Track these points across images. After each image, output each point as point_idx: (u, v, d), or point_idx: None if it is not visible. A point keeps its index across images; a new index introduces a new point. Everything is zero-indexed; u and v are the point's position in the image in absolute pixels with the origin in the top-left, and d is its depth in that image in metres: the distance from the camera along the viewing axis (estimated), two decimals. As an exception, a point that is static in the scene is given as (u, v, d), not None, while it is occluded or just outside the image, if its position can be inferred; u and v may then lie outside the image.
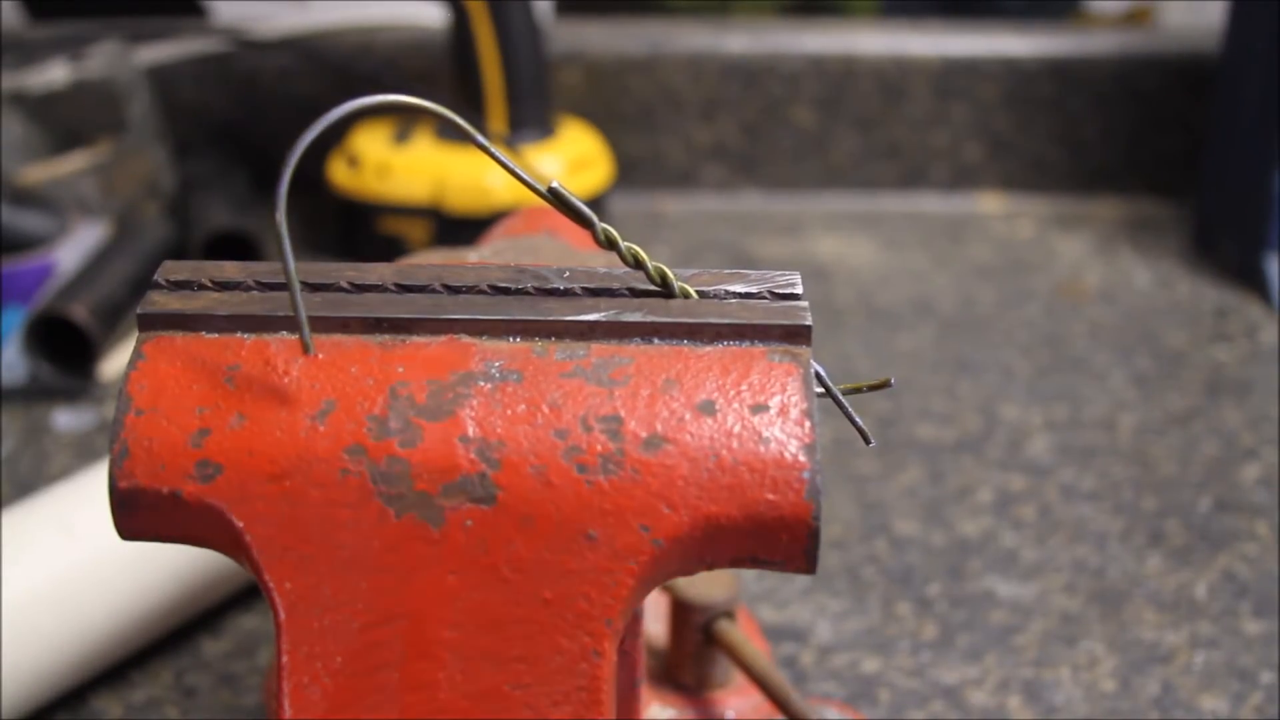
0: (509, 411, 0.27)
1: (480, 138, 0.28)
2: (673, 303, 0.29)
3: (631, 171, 0.92)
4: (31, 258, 0.73)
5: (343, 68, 0.87)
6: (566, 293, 0.29)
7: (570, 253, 0.41)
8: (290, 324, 0.28)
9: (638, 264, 0.29)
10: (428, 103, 0.28)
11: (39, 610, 0.43)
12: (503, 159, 0.29)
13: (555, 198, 0.29)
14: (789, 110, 0.91)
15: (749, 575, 0.52)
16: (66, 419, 0.63)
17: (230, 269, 0.29)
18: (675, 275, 0.29)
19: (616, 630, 0.26)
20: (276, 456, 0.27)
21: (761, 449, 0.26)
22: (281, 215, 0.26)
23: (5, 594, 0.42)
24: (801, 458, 0.26)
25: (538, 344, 0.28)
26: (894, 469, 0.59)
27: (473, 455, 0.26)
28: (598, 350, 0.28)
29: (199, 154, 0.87)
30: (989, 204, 0.92)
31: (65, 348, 0.65)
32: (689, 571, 0.27)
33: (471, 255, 0.40)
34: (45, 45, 0.86)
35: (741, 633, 0.41)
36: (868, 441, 0.31)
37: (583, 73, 0.90)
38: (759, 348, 0.28)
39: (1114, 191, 0.93)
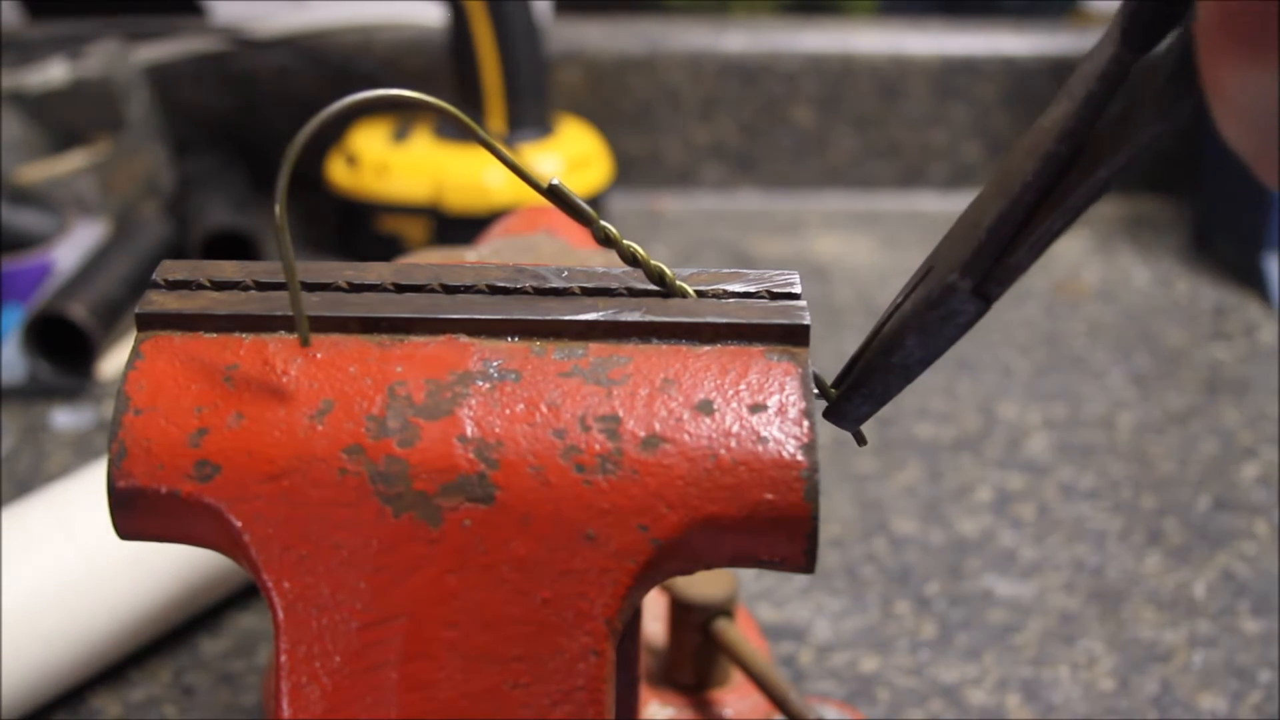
0: (507, 411, 0.27)
1: (481, 132, 0.28)
2: (671, 302, 0.29)
3: (630, 170, 0.92)
4: (30, 257, 0.73)
5: (341, 67, 0.87)
6: (565, 292, 0.29)
7: (569, 252, 0.41)
8: (289, 324, 0.28)
9: (636, 262, 0.29)
10: (427, 97, 0.28)
11: (38, 609, 0.43)
12: (503, 154, 0.29)
13: (555, 195, 0.29)
14: (788, 109, 0.91)
15: (747, 574, 0.52)
16: (65, 418, 0.63)
17: (229, 268, 0.29)
18: (674, 274, 0.29)
19: (615, 630, 0.26)
20: (275, 456, 0.27)
21: (760, 448, 0.26)
22: (281, 208, 0.26)
23: (5, 593, 0.42)
24: (800, 457, 0.26)
25: (536, 343, 0.28)
26: (893, 468, 0.59)
27: (471, 455, 0.26)
28: (596, 350, 0.28)
29: (197, 153, 0.87)
30: (988, 203, 0.92)
31: (64, 347, 0.65)
32: (687, 571, 0.27)
33: (470, 254, 0.40)
34: (44, 44, 0.86)
35: (740, 631, 0.41)
36: (861, 442, 0.31)
37: (582, 72, 0.90)
38: (757, 347, 0.28)
39: (1113, 190, 0.93)
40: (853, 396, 0.30)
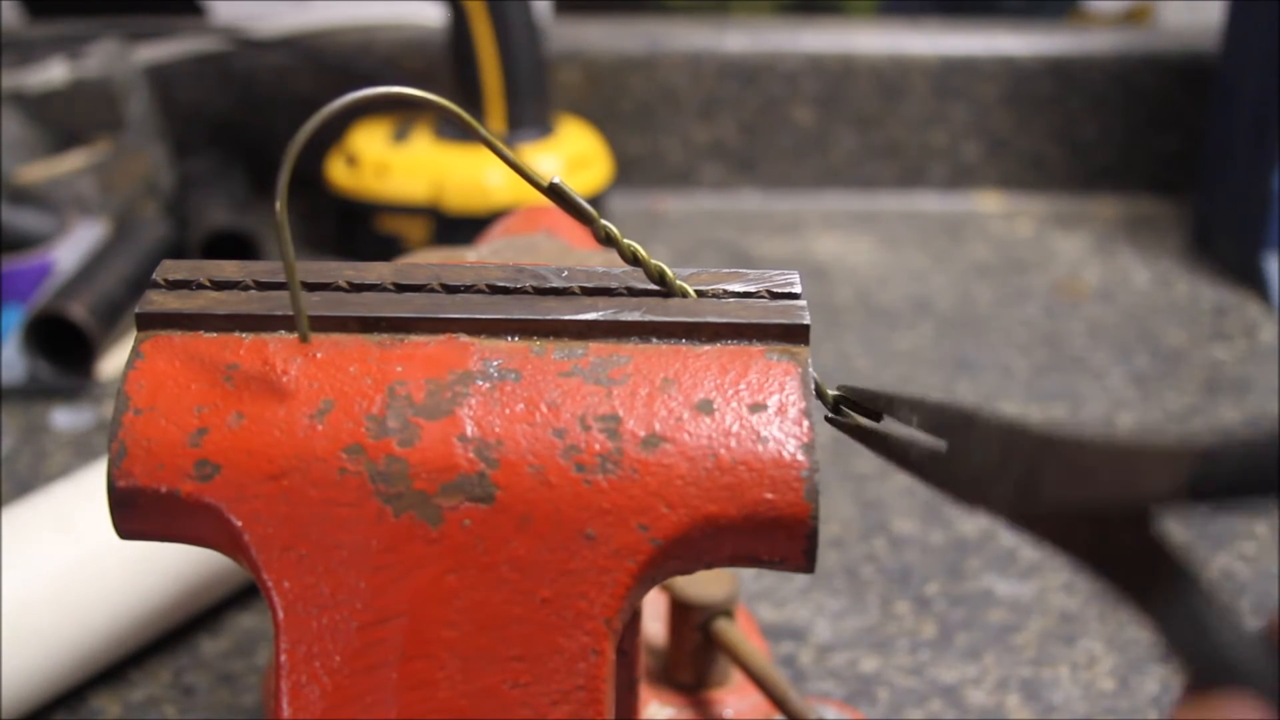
0: (507, 411, 0.27)
1: (482, 130, 0.28)
2: (671, 302, 0.29)
3: (630, 170, 0.92)
4: (30, 257, 0.73)
5: (341, 67, 0.87)
6: (565, 292, 0.29)
7: (569, 252, 0.41)
8: (289, 323, 0.28)
9: (637, 261, 0.29)
10: (428, 95, 0.28)
11: (38, 610, 0.43)
12: (503, 151, 0.29)
13: (556, 194, 0.29)
14: (788, 109, 0.91)
15: (747, 574, 0.52)
16: (65, 418, 0.63)
17: (229, 268, 0.29)
18: (674, 274, 0.29)
19: (615, 629, 0.26)
20: (275, 456, 0.27)
21: (760, 448, 0.26)
22: (282, 205, 0.26)
23: (5, 594, 0.42)
24: (800, 457, 0.26)
25: (536, 343, 0.28)
26: (892, 468, 0.59)
27: (471, 454, 0.26)
28: (596, 349, 0.28)
29: (197, 153, 0.87)
30: (987, 203, 0.92)
31: (64, 347, 0.65)
32: (687, 570, 0.27)
33: (470, 254, 0.40)
34: (44, 44, 0.86)
35: (740, 631, 0.41)
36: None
37: (581, 72, 0.90)
38: (757, 347, 0.28)
39: (1112, 190, 0.93)
40: (849, 432, 0.30)
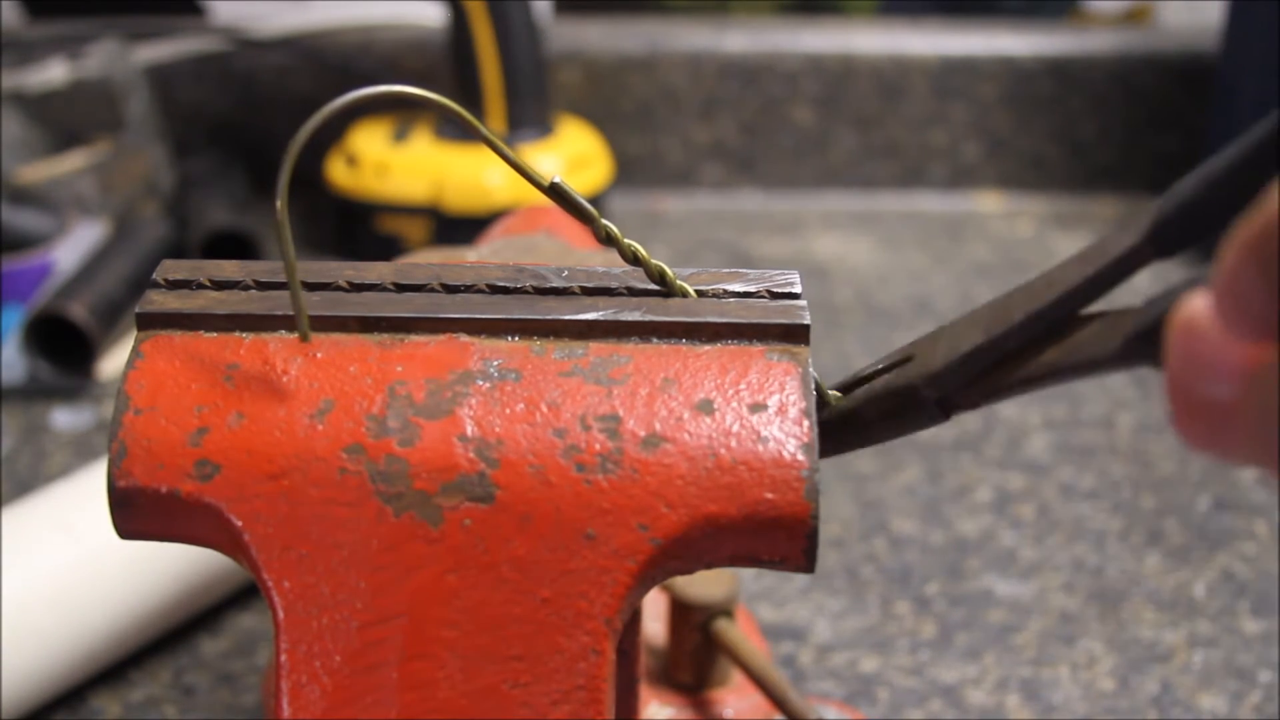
0: (507, 410, 0.27)
1: (483, 129, 0.28)
2: (671, 301, 0.29)
3: (630, 170, 0.92)
4: (30, 257, 0.73)
5: (341, 67, 0.87)
6: (565, 292, 0.29)
7: (569, 252, 0.41)
8: (289, 323, 0.28)
9: (638, 261, 0.29)
10: (428, 93, 0.28)
11: (38, 610, 0.43)
12: (503, 150, 0.29)
13: (556, 193, 0.29)
14: (788, 109, 0.91)
15: (748, 574, 0.52)
16: (65, 418, 0.63)
17: (229, 268, 0.29)
18: (674, 274, 0.29)
19: (615, 629, 0.26)
20: (275, 455, 0.27)
21: (760, 448, 0.26)
22: (282, 203, 0.26)
23: (5, 593, 0.42)
24: (800, 457, 0.26)
25: (536, 343, 0.28)
26: (892, 468, 0.59)
27: (471, 454, 0.26)
28: (596, 349, 0.28)
29: (197, 153, 0.87)
30: (988, 203, 0.92)
31: (64, 347, 0.65)
32: (687, 570, 0.27)
33: (470, 254, 0.40)
34: (44, 44, 0.86)
35: (740, 631, 0.41)
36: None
37: (581, 72, 0.90)
38: (757, 347, 0.28)
39: (1112, 190, 0.93)
40: (838, 438, 0.30)
